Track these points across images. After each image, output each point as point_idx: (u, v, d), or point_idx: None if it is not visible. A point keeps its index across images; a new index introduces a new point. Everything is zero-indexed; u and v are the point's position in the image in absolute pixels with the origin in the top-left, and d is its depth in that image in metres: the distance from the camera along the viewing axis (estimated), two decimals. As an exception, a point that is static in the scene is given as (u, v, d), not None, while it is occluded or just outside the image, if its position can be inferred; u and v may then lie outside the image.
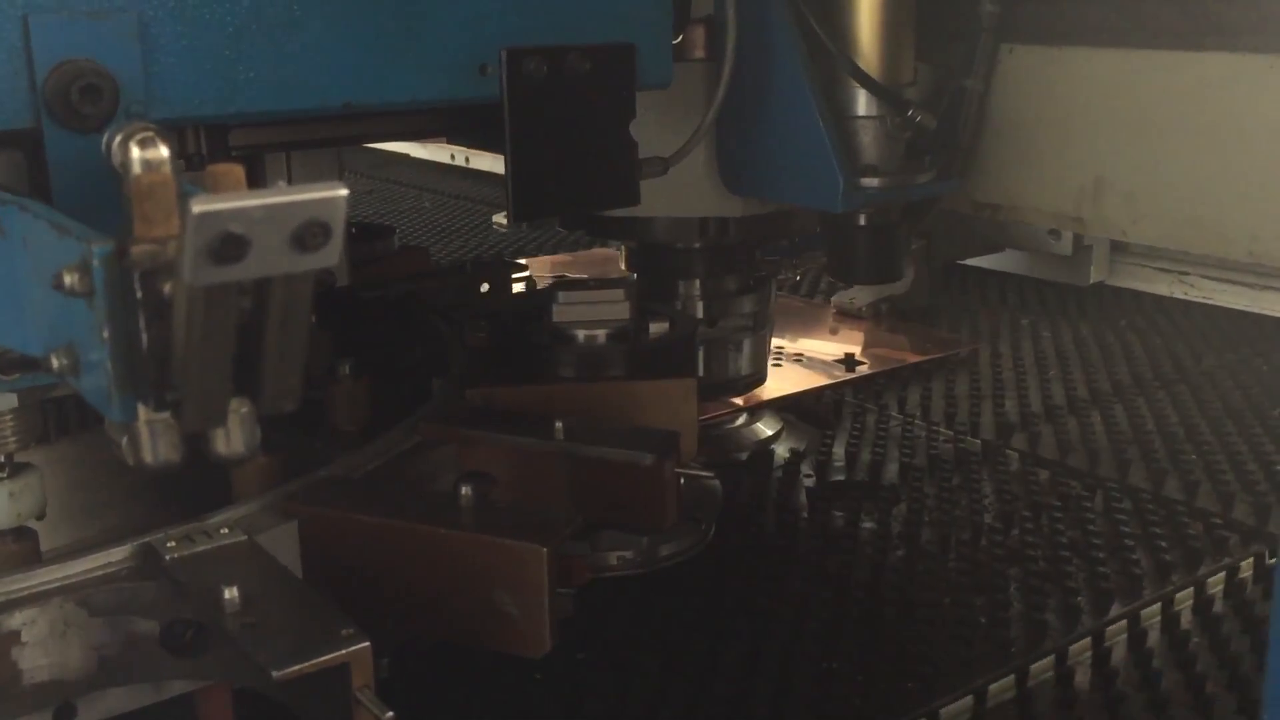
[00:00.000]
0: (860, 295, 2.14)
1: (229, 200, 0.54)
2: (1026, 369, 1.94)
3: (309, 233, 0.56)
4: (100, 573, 0.85)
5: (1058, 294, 2.35)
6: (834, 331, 2.10)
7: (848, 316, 2.15)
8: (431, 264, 1.80)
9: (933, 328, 2.15)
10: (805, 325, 2.12)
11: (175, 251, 0.59)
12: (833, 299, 2.18)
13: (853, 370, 1.90)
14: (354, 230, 1.71)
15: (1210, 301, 2.27)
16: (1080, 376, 1.90)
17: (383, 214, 3.13)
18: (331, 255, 0.57)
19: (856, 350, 1.98)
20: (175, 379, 0.63)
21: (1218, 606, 1.25)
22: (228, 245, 0.54)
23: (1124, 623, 1.21)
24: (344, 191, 0.56)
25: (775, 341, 1.91)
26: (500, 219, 2.72)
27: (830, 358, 1.94)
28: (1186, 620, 1.22)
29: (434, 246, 2.75)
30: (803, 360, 1.94)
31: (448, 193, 3.43)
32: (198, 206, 0.53)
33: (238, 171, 0.58)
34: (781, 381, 1.82)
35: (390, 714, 0.74)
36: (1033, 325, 2.14)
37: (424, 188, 3.50)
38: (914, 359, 1.96)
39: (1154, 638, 1.19)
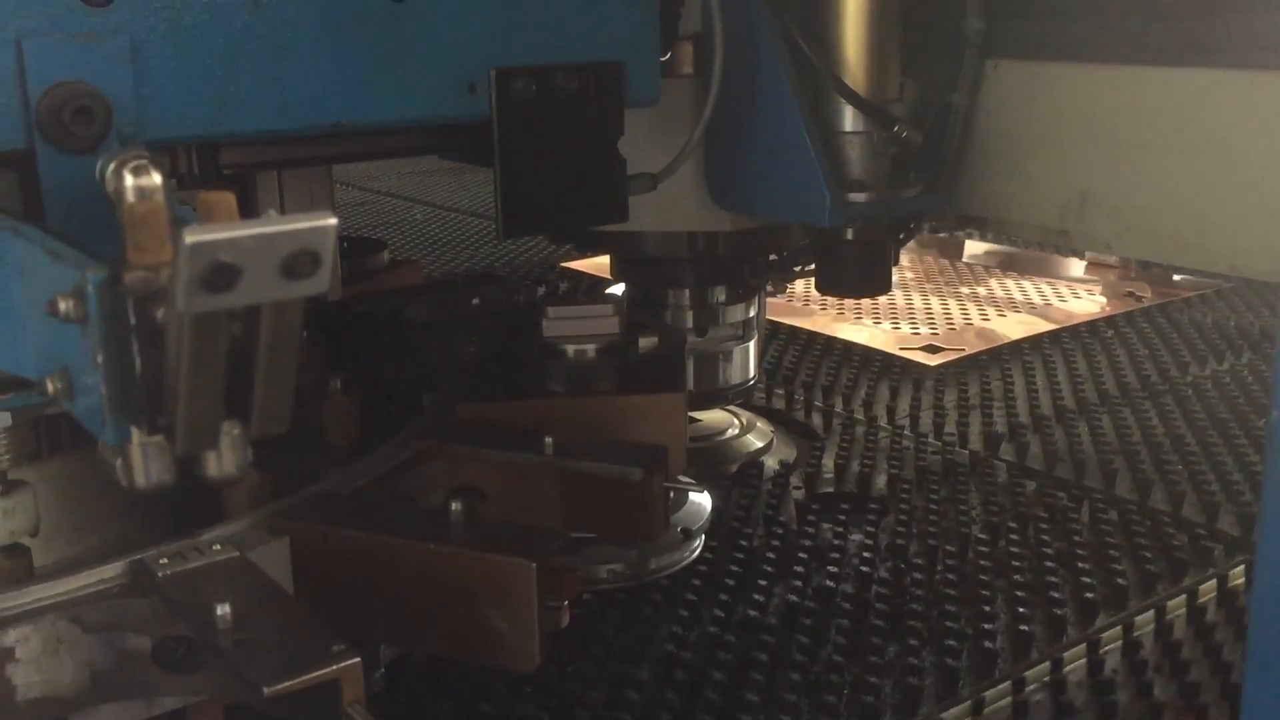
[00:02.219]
0: None
1: (221, 230, 0.55)
2: (1015, 379, 1.95)
3: (299, 261, 0.57)
4: (93, 589, 0.85)
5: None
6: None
7: (1098, 265, 2.59)
8: (423, 278, 1.81)
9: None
10: (1059, 272, 2.61)
11: (168, 278, 0.60)
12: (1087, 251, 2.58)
13: (1140, 301, 2.37)
14: (345, 244, 1.71)
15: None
16: (1067, 386, 1.91)
17: (374, 226, 3.14)
18: (321, 283, 0.58)
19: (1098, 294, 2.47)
20: (168, 403, 0.64)
21: (1203, 617, 1.26)
22: (219, 274, 0.55)
23: (1109, 634, 1.22)
24: (333, 221, 0.57)
25: (1032, 284, 2.48)
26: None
27: (1108, 295, 2.43)
28: (1172, 631, 1.23)
29: (425, 259, 2.76)
30: (1092, 295, 2.45)
31: (439, 205, 3.43)
32: (190, 237, 0.54)
33: (229, 200, 0.59)
34: (1080, 306, 2.36)
35: (380, 729, 0.75)
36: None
37: (415, 199, 3.51)
38: (1186, 294, 2.41)
39: (1140, 649, 1.20)
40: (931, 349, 2.09)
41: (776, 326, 2.23)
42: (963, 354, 2.07)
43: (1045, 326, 2.23)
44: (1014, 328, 2.22)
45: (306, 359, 1.27)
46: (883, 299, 2.39)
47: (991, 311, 2.34)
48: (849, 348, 2.14)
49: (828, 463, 1.63)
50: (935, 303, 2.41)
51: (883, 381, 1.96)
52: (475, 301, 1.50)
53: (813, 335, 2.20)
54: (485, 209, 3.28)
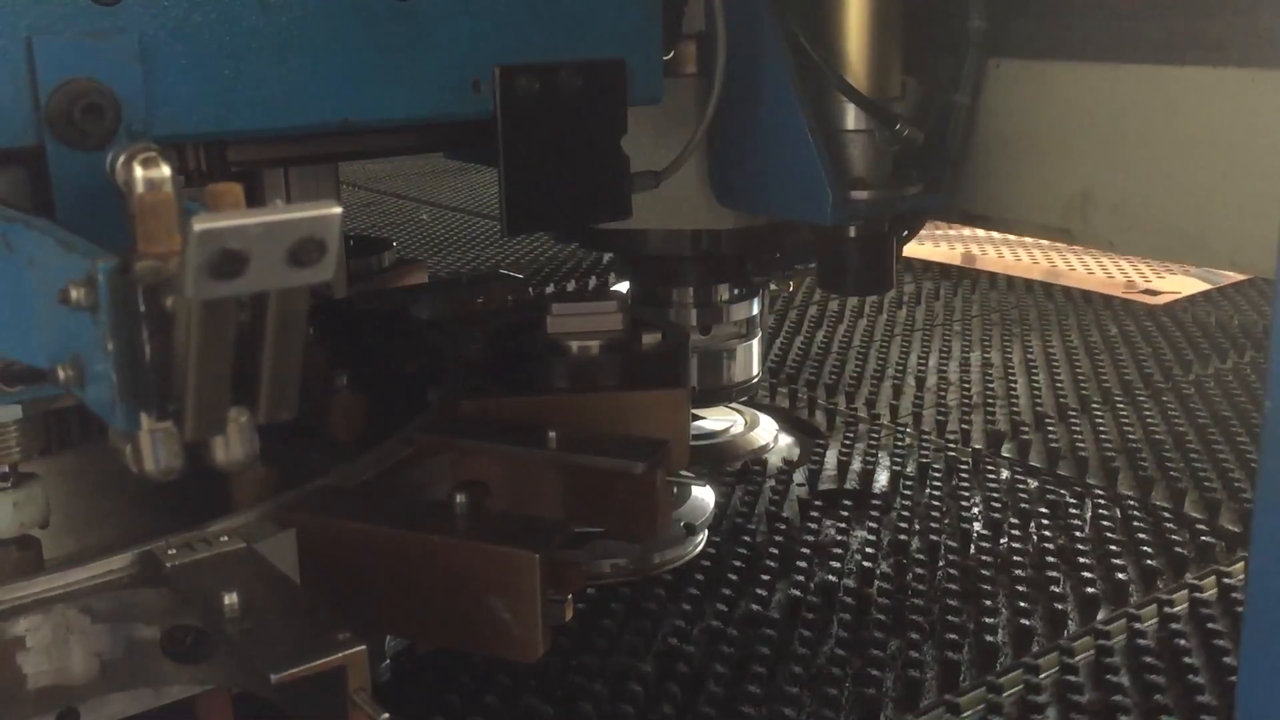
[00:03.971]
0: None
1: (228, 218, 0.56)
2: (1017, 377, 1.96)
3: (305, 249, 0.58)
4: (102, 580, 0.86)
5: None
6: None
7: None
8: (428, 276, 1.82)
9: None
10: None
11: (177, 267, 0.61)
12: None
13: None
14: (351, 243, 1.72)
15: None
16: (1069, 384, 1.92)
17: (380, 226, 3.15)
18: (326, 270, 0.59)
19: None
20: (176, 389, 0.65)
21: (1204, 613, 1.26)
22: (227, 261, 0.56)
23: (1110, 630, 1.22)
24: (338, 210, 0.58)
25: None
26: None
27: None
28: (1173, 627, 1.24)
29: (430, 259, 2.77)
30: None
31: (444, 205, 3.45)
32: (199, 224, 0.55)
33: (236, 190, 0.61)
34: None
35: (386, 715, 0.76)
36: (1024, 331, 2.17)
37: (421, 200, 3.52)
38: None
39: (1140, 645, 1.21)
40: (1150, 292, 2.23)
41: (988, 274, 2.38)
42: (1180, 295, 2.22)
43: (1203, 286, 2.32)
44: (1176, 286, 2.33)
45: (313, 356, 1.28)
46: (1040, 260, 2.49)
47: (1148, 270, 2.45)
48: (1086, 294, 2.27)
49: (830, 460, 1.63)
50: (1092, 263, 2.50)
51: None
52: (480, 299, 1.51)
53: (1046, 286, 2.34)
54: (490, 209, 3.30)
